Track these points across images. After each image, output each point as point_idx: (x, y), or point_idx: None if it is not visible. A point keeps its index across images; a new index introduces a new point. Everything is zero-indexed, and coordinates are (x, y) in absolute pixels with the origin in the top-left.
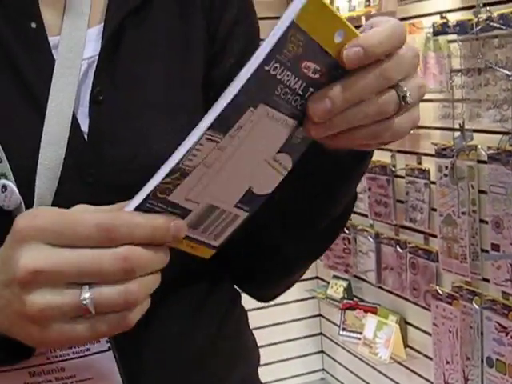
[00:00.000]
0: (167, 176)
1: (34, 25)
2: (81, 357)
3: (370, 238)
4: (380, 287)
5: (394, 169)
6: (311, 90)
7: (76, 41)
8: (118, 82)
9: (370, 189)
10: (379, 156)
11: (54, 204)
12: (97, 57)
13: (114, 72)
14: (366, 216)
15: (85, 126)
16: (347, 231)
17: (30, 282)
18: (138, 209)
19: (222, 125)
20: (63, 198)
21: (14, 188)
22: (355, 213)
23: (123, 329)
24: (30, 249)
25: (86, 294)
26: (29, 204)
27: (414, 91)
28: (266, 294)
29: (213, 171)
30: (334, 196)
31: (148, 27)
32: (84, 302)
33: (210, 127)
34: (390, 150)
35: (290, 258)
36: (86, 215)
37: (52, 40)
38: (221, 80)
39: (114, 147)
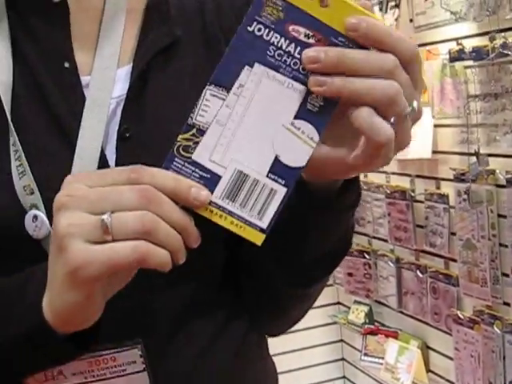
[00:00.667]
0: (184, 132)
1: (67, 64)
2: (117, 376)
3: (390, 262)
4: (401, 312)
5: (413, 194)
6: None
7: (105, 80)
8: (145, 120)
9: (389, 214)
10: (398, 181)
11: None
12: (125, 96)
13: (140, 110)
14: (386, 241)
15: (112, 162)
16: (368, 256)
17: (62, 205)
18: (165, 168)
19: (222, 81)
20: None
21: (45, 218)
22: (376, 238)
23: (141, 260)
24: (67, 187)
25: (106, 215)
26: None
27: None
28: (271, 327)
29: (229, 131)
30: (318, 232)
31: (174, 65)
32: (103, 219)
33: (211, 83)
34: (409, 175)
35: (280, 290)
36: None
37: (83, 79)
38: None
39: None
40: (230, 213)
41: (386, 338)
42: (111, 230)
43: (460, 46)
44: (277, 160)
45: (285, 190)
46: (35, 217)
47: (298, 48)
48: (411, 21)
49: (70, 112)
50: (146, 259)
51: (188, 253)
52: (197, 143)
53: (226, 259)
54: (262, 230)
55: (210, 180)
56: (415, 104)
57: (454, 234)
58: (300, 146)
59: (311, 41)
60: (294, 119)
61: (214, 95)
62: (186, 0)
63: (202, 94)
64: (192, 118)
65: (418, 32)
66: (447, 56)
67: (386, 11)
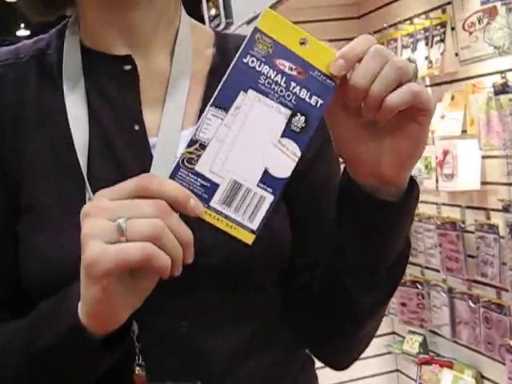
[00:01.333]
0: (188, 146)
1: (137, 127)
2: None
3: (442, 292)
4: (455, 341)
5: (463, 225)
6: (293, 84)
7: (171, 141)
8: None
9: (440, 245)
10: (449, 212)
11: None
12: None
13: None
14: (438, 271)
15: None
16: (420, 286)
17: (88, 214)
18: (171, 177)
19: (222, 103)
20: None
21: None
22: (428, 268)
23: (146, 259)
24: (94, 200)
25: (122, 220)
26: None
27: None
28: (340, 357)
29: (226, 147)
30: (383, 238)
31: None
32: (119, 223)
33: (212, 104)
34: (459, 206)
35: (359, 308)
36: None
37: (151, 140)
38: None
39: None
40: (226, 216)
41: (440, 367)
42: (125, 233)
43: (504, 80)
44: (266, 172)
45: (272, 197)
46: None
47: (284, 78)
48: (456, 55)
49: (139, 170)
50: (151, 260)
51: (246, 292)
52: (199, 156)
53: (282, 296)
54: (252, 231)
55: (210, 188)
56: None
57: (505, 263)
58: (285, 161)
59: (294, 73)
60: (280, 137)
61: (214, 115)
62: None
63: (204, 114)
64: (195, 135)
65: (464, 66)
66: (492, 89)
67: (432, 46)
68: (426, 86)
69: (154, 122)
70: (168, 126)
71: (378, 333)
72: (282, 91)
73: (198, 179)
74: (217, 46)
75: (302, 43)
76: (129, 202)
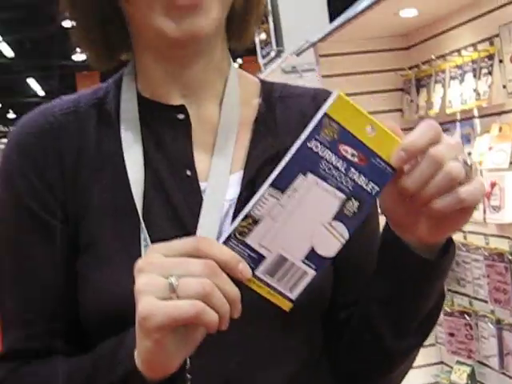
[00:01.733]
0: (243, 220)
1: (189, 173)
2: None
3: (490, 323)
4: (503, 373)
5: (510, 256)
6: (353, 170)
7: (220, 186)
8: None
9: (488, 276)
10: (497, 243)
11: None
12: (236, 198)
13: None
14: (486, 302)
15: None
16: (468, 317)
17: (141, 269)
18: (223, 243)
19: (280, 184)
20: None
21: None
22: (476, 299)
23: (196, 316)
24: (148, 253)
25: (174, 278)
26: None
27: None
28: None
29: (278, 224)
30: (421, 293)
31: None
32: (171, 281)
33: (271, 185)
34: (508, 238)
35: (389, 353)
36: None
37: (202, 185)
38: None
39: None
40: (268, 285)
41: None
42: (176, 290)
43: None
44: (312, 250)
45: (314, 273)
46: None
47: (345, 164)
48: (504, 87)
49: (191, 212)
50: (200, 317)
51: (290, 330)
52: (251, 230)
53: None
54: (290, 300)
55: (257, 259)
56: (464, 158)
57: None
58: (332, 241)
59: (355, 159)
60: (331, 220)
61: (271, 195)
62: (290, 112)
63: (261, 193)
64: (250, 211)
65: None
66: None
67: (480, 78)
68: (474, 117)
69: (204, 167)
70: (217, 171)
71: (427, 362)
72: (340, 177)
73: (247, 250)
74: (262, 96)
75: (371, 130)
76: (181, 260)
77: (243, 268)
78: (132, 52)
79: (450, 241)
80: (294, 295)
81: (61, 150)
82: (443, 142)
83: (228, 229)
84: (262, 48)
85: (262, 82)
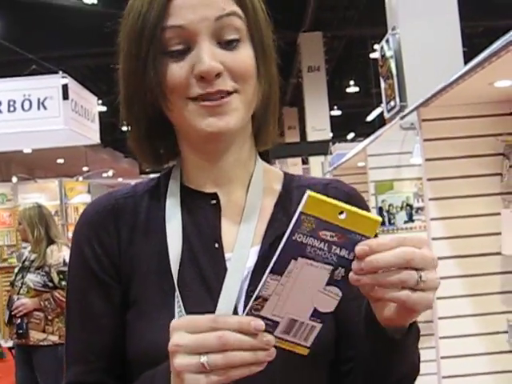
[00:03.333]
0: (254, 300)
1: (216, 245)
2: None
3: None
4: None
5: None
6: (334, 246)
7: (242, 257)
8: None
9: None
10: None
11: None
12: (253, 266)
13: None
14: None
15: (241, 313)
16: None
17: (174, 352)
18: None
19: (277, 270)
20: None
21: None
22: None
23: (230, 379)
24: (175, 334)
25: (204, 358)
26: None
27: (430, 281)
28: None
29: (283, 297)
30: (391, 361)
31: None
32: (202, 361)
33: (270, 272)
34: None
35: None
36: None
37: (227, 255)
38: None
39: None
40: (286, 340)
41: None
42: (208, 366)
43: None
44: (315, 310)
45: (321, 325)
46: None
47: (326, 244)
48: None
49: (216, 277)
50: (235, 377)
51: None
52: (263, 306)
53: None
54: (307, 347)
55: (273, 325)
56: (422, 275)
57: None
58: (330, 301)
59: (335, 239)
60: (325, 286)
61: (272, 279)
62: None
63: (264, 279)
64: (259, 292)
65: None
66: None
67: None
68: None
69: (229, 241)
70: (241, 244)
71: None
72: (325, 254)
73: (264, 320)
74: (283, 185)
75: (341, 214)
76: (203, 337)
77: (255, 323)
78: (179, 150)
79: (413, 323)
80: (309, 343)
81: (118, 225)
82: (415, 251)
83: (244, 306)
84: (387, 102)
85: (285, 174)
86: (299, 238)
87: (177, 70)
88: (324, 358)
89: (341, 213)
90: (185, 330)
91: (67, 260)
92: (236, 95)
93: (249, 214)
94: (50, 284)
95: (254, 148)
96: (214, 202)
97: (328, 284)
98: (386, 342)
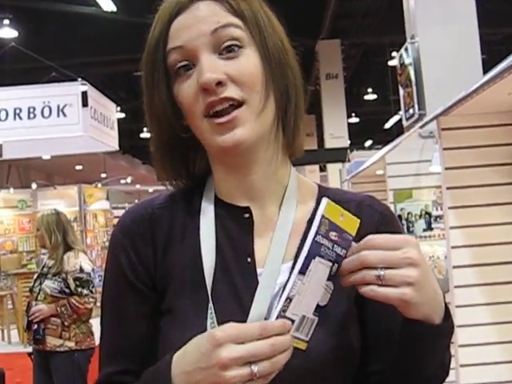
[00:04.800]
0: (285, 301)
1: (249, 260)
2: None
3: None
4: None
5: None
6: (335, 245)
7: (273, 272)
8: None
9: None
10: None
11: None
12: (284, 283)
13: None
14: None
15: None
16: None
17: (228, 366)
18: (276, 318)
19: (302, 270)
20: None
21: None
22: None
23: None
24: (225, 347)
25: (255, 367)
26: None
27: (395, 276)
28: None
29: (301, 296)
30: (424, 356)
31: None
32: (253, 370)
33: (299, 272)
34: None
35: None
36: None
37: (259, 270)
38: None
39: None
40: (295, 337)
41: None
42: (258, 374)
43: None
44: (317, 305)
45: (317, 319)
46: None
47: (331, 243)
48: None
49: (248, 292)
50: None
51: None
52: (288, 307)
53: None
54: (306, 342)
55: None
56: (381, 273)
57: None
58: (327, 294)
59: (336, 238)
60: (326, 281)
61: (299, 279)
62: None
63: (293, 279)
64: (289, 294)
65: None
66: None
67: None
68: None
69: (262, 256)
70: (272, 259)
71: None
72: (330, 252)
73: (285, 319)
74: (316, 200)
75: (341, 216)
76: (254, 349)
77: (288, 325)
78: (208, 164)
79: (447, 320)
80: (308, 337)
81: (154, 234)
82: (369, 254)
83: (277, 308)
84: (406, 110)
85: (319, 187)
86: (318, 239)
87: (186, 89)
88: (347, 369)
89: (341, 215)
90: (233, 342)
91: (84, 266)
92: (244, 107)
93: (281, 230)
94: (67, 290)
95: (287, 159)
96: (247, 215)
97: (328, 279)
98: (414, 332)
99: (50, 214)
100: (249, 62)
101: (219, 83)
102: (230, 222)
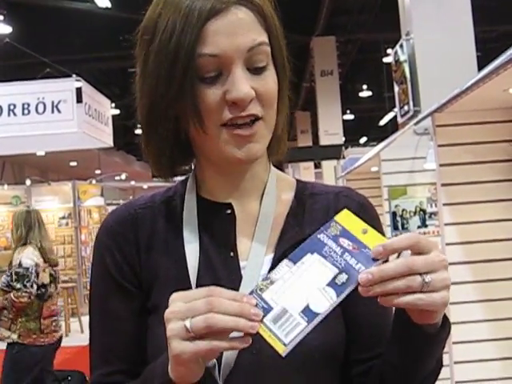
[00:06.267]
0: (264, 280)
1: (232, 254)
2: None
3: None
4: None
5: None
6: (346, 254)
7: (256, 265)
8: None
9: None
10: None
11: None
12: (267, 274)
13: None
14: None
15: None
16: None
17: (168, 319)
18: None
19: (294, 259)
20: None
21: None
22: None
23: (212, 350)
24: (171, 305)
25: (187, 321)
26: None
27: (437, 281)
28: None
29: (286, 285)
30: (421, 358)
31: None
32: (185, 324)
33: (288, 258)
34: None
35: None
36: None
37: (242, 264)
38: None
39: None
40: (270, 330)
41: None
42: (190, 329)
43: None
44: (307, 306)
45: (305, 324)
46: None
47: (341, 250)
48: None
49: (232, 285)
50: (215, 349)
51: (309, 379)
52: (267, 287)
53: None
54: (284, 344)
55: (267, 309)
56: (429, 279)
57: None
58: (324, 302)
59: (350, 248)
60: (325, 286)
61: (286, 265)
62: (316, 206)
63: (281, 263)
64: (270, 274)
65: None
66: None
67: None
68: None
69: (244, 250)
70: (255, 253)
71: None
72: (336, 257)
73: (262, 302)
74: (295, 194)
75: (364, 232)
76: (192, 304)
77: (247, 298)
78: (195, 164)
79: (446, 319)
80: (287, 339)
81: (137, 234)
82: (421, 255)
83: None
84: (400, 107)
85: (298, 182)
86: (323, 237)
87: (210, 96)
88: (333, 360)
89: (364, 232)
90: (181, 300)
91: (23, 261)
92: (261, 122)
93: (262, 224)
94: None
95: (268, 159)
96: (229, 211)
97: (328, 285)
98: (420, 337)
99: (21, 211)
100: (272, 80)
101: (250, 100)
102: (212, 218)
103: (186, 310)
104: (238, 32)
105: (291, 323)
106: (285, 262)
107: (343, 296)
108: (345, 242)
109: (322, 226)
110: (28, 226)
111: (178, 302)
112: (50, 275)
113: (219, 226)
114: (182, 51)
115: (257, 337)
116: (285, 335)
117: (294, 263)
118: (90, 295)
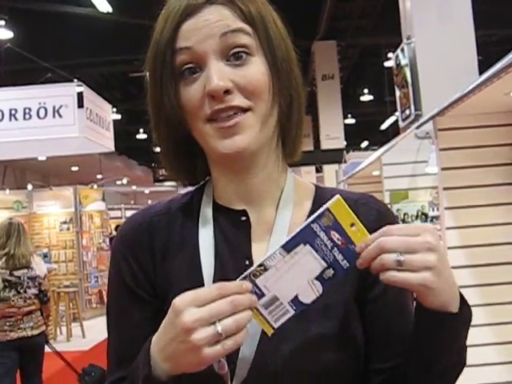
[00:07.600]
0: (258, 267)
1: (247, 262)
2: None
3: None
4: None
5: None
6: (335, 249)
7: None
8: None
9: None
10: None
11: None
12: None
13: None
14: None
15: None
16: None
17: (192, 329)
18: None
19: (287, 248)
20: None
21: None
22: None
23: (238, 345)
24: (186, 312)
25: (218, 326)
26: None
27: (414, 261)
28: None
29: (279, 273)
30: (436, 344)
31: None
32: (218, 330)
33: (282, 247)
34: None
35: None
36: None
37: None
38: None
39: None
40: (261, 314)
41: None
42: (223, 334)
43: None
44: (296, 296)
45: (293, 312)
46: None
47: (331, 244)
48: None
49: None
50: (241, 342)
51: None
52: (261, 274)
53: None
54: (273, 328)
55: (259, 295)
56: (400, 258)
57: None
58: (310, 293)
59: (339, 243)
60: (314, 279)
61: (280, 253)
62: None
63: (275, 250)
64: (264, 261)
65: None
66: None
67: None
68: None
69: (259, 257)
70: None
71: None
72: (326, 251)
73: (255, 287)
74: (313, 200)
75: (352, 225)
76: (213, 307)
77: (246, 285)
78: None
79: (465, 306)
80: (276, 324)
81: (152, 242)
82: (388, 239)
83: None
84: (402, 111)
85: (317, 188)
86: (316, 227)
87: (191, 93)
88: (351, 372)
89: (352, 225)
90: (193, 305)
91: None
92: (250, 113)
93: (278, 231)
94: None
95: (284, 162)
96: (244, 218)
97: (316, 278)
98: (432, 321)
99: (4, 223)
100: (256, 70)
101: (226, 91)
102: (227, 225)
103: (209, 315)
104: (210, 23)
105: (281, 310)
106: (279, 250)
107: (327, 289)
108: (335, 235)
109: (316, 214)
110: (7, 236)
111: (190, 308)
112: (5, 280)
113: (234, 234)
114: (160, 50)
115: (271, 350)
116: (274, 320)
117: (288, 252)
118: (107, 301)
